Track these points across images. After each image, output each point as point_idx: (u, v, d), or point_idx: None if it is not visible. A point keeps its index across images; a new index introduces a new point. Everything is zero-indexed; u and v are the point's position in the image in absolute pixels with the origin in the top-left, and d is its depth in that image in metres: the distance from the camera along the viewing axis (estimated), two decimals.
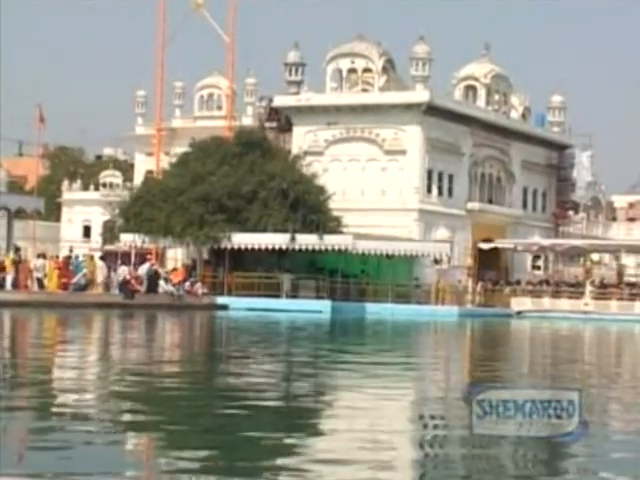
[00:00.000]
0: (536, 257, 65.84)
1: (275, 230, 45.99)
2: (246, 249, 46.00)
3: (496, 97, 65.21)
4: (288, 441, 8.79)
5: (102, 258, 45.89)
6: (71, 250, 46.79)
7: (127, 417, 10.26)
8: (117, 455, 8.05)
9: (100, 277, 41.42)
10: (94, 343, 22.70)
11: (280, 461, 7.84)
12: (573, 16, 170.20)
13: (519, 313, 51.27)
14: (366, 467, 7.79)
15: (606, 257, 67.96)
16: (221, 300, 42.94)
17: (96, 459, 7.78)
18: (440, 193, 59.97)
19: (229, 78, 60.87)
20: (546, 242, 62.75)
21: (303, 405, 11.78)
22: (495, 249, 59.09)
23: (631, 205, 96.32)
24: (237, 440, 8.74)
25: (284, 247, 45.98)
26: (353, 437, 9.14)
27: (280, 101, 60.86)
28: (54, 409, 10.69)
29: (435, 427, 9.97)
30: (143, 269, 42.26)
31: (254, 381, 13.99)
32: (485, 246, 58.03)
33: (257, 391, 12.65)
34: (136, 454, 8.41)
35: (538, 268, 65.85)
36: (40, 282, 39.09)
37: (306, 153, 55.28)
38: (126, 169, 79.16)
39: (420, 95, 57.60)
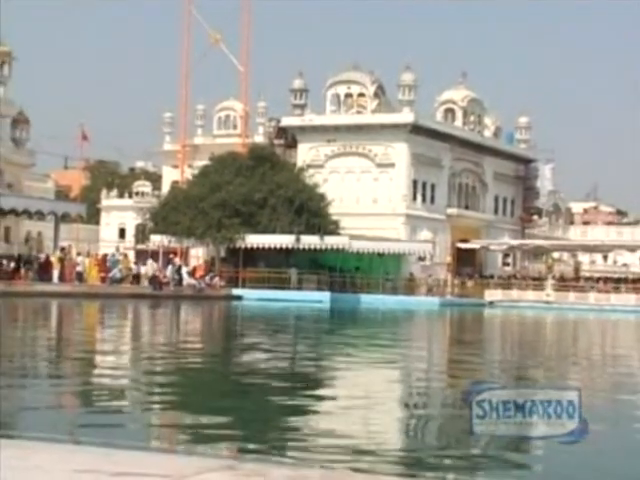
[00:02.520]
0: (506, 255, 65.79)
1: (282, 232, 45.99)
2: (257, 248, 45.99)
3: (471, 118, 65.11)
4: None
5: (150, 257, 46.01)
6: (118, 249, 47.24)
7: (159, 379, 10.43)
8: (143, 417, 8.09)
9: (150, 272, 41.49)
10: (132, 325, 22.87)
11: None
12: (539, 49, 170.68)
13: (491, 303, 51.22)
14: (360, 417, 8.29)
15: (565, 255, 68.02)
16: (236, 292, 42.93)
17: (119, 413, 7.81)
18: (424, 200, 59.84)
19: (243, 102, 60.93)
20: (514, 242, 62.80)
21: (308, 371, 11.88)
22: (471, 248, 59.11)
23: (586, 211, 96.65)
24: (255, 390, 9.12)
25: (290, 246, 45.99)
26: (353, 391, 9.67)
27: (287, 121, 60.79)
28: (96, 376, 10.82)
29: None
30: (169, 270, 42.05)
31: (264, 357, 14.04)
32: (462, 246, 58.13)
33: (266, 365, 12.68)
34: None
35: (507, 264, 65.79)
36: (80, 276, 39.10)
37: (309, 166, 55.25)
38: (155, 179, 79.06)
39: (406, 116, 57.50)
